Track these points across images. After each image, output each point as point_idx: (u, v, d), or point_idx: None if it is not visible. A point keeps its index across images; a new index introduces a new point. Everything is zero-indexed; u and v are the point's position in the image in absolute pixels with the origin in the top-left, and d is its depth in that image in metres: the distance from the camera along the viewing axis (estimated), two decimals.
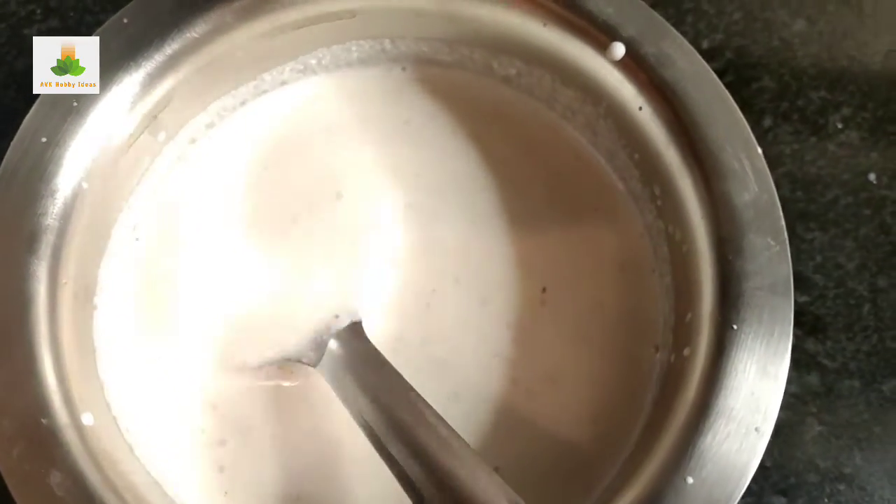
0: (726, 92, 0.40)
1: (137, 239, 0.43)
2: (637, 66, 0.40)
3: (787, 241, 0.37)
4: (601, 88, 0.42)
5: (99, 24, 0.41)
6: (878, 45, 0.51)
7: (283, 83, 0.46)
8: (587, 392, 0.40)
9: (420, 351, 0.41)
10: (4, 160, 0.38)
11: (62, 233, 0.38)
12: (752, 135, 0.39)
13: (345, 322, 0.40)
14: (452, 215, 0.44)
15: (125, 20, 0.41)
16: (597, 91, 0.42)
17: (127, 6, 0.41)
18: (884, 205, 0.48)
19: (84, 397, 0.37)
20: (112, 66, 0.40)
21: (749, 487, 0.34)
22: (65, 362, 0.36)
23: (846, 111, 0.49)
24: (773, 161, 0.39)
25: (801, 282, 0.45)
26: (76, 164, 0.39)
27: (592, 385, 0.41)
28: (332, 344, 0.39)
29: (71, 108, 0.39)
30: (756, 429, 0.34)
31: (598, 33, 0.41)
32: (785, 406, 0.35)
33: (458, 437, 0.34)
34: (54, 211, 0.38)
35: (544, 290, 0.42)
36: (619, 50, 0.40)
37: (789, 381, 0.36)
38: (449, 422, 0.35)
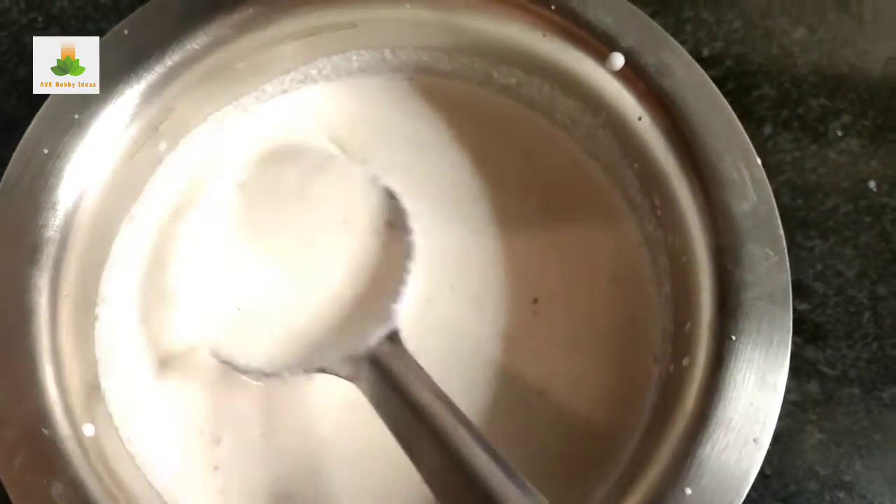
0: (725, 102, 0.40)
1: (139, 249, 0.43)
2: (636, 76, 0.40)
3: (786, 251, 0.37)
4: (601, 98, 0.42)
5: (100, 31, 0.41)
6: (878, 53, 0.51)
7: (285, 92, 0.46)
8: (581, 403, 0.40)
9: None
10: (6, 172, 0.38)
11: (63, 244, 0.38)
12: (751, 145, 0.39)
13: (380, 331, 0.38)
14: (450, 224, 0.44)
15: (126, 31, 0.41)
16: (597, 101, 0.42)
17: (128, 17, 0.41)
18: (884, 212, 0.48)
19: (85, 408, 0.37)
20: (113, 77, 0.40)
21: (749, 495, 0.34)
22: (66, 373, 0.36)
23: (846, 119, 0.49)
24: (773, 169, 0.39)
25: (801, 290, 0.45)
26: (78, 175, 0.39)
27: (587, 396, 0.41)
28: (370, 355, 0.37)
29: (72, 120, 0.39)
30: (755, 440, 0.34)
31: (598, 44, 0.41)
32: (785, 414, 0.35)
33: (502, 457, 0.33)
34: (56, 223, 0.38)
35: (535, 301, 0.42)
36: (618, 60, 0.40)
37: (789, 389, 0.36)
38: None
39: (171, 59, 0.41)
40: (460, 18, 0.43)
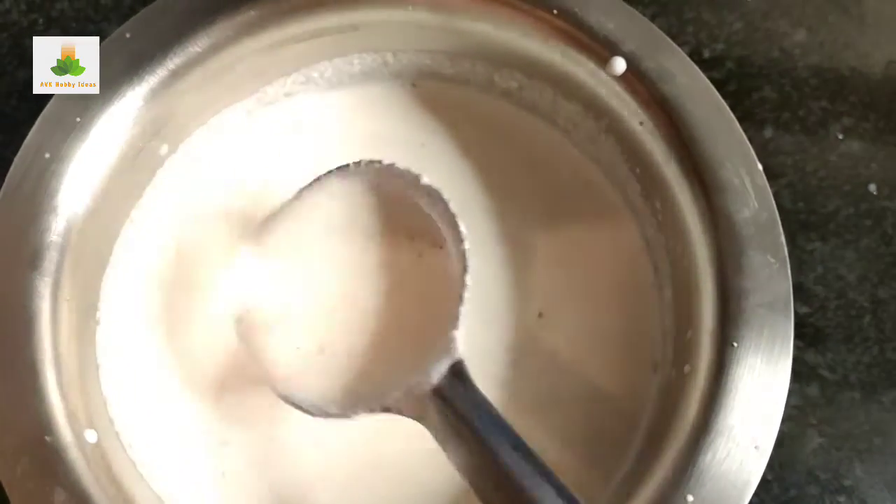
0: (726, 107, 0.40)
1: (141, 254, 0.43)
2: (638, 81, 0.40)
3: (787, 258, 0.37)
4: (603, 103, 0.42)
5: (100, 33, 0.41)
6: (880, 56, 0.51)
7: (287, 95, 0.46)
8: (581, 412, 0.41)
9: None
10: (7, 177, 0.38)
11: (65, 249, 0.38)
12: (752, 150, 0.39)
13: (442, 365, 0.34)
14: None
15: (128, 34, 0.41)
16: (598, 106, 0.42)
17: (129, 20, 0.41)
18: (885, 215, 0.48)
19: (87, 414, 0.37)
20: (115, 80, 0.40)
21: (749, 500, 0.34)
22: (68, 379, 0.36)
23: (847, 121, 0.49)
24: (773, 171, 0.39)
25: (801, 293, 0.45)
26: (79, 179, 0.39)
27: (591, 407, 0.41)
28: (435, 391, 0.34)
29: (74, 124, 0.39)
30: (756, 447, 0.34)
31: (599, 48, 0.41)
32: (785, 418, 0.35)
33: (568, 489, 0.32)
34: (57, 227, 0.38)
35: (540, 314, 0.42)
36: (620, 65, 0.40)
37: (790, 393, 0.36)
38: None
39: (172, 62, 0.41)
40: (462, 22, 0.43)
